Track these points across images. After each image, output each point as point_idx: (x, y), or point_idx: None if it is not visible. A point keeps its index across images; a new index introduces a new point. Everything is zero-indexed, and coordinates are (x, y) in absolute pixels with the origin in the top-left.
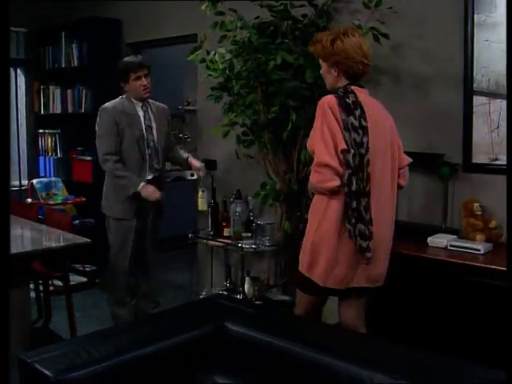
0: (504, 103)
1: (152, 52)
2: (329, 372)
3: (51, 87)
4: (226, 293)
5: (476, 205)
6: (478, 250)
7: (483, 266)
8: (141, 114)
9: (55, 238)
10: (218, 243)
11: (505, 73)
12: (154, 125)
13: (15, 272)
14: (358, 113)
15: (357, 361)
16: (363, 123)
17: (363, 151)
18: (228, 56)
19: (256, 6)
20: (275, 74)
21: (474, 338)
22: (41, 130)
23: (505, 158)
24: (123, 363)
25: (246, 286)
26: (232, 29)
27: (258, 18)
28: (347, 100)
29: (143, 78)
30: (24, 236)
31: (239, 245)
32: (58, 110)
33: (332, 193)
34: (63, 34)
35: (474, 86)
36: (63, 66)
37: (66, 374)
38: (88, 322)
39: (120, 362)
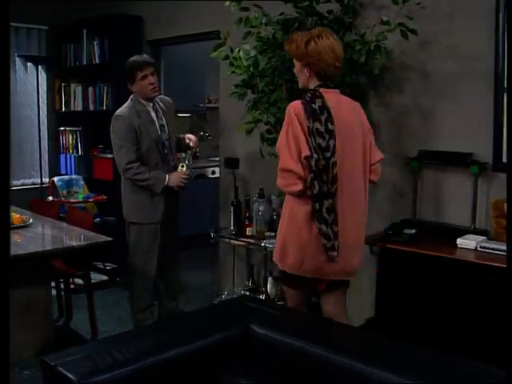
0: None
1: (173, 49)
2: (355, 376)
3: (72, 85)
4: (248, 293)
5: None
6: None
7: None
8: (153, 114)
9: (77, 237)
10: (240, 242)
11: None
12: (165, 122)
13: (36, 270)
14: (324, 117)
15: (384, 365)
16: (330, 127)
17: (329, 154)
18: (253, 53)
19: (281, 1)
20: None
21: (503, 341)
22: (62, 128)
23: None
24: (147, 367)
25: (269, 286)
26: (256, 25)
27: (282, 14)
28: (313, 105)
29: (150, 77)
30: (45, 234)
31: (262, 244)
32: (79, 108)
33: (297, 195)
34: (84, 31)
35: (505, 83)
36: (84, 63)
37: (89, 378)
38: (109, 321)
39: (144, 365)
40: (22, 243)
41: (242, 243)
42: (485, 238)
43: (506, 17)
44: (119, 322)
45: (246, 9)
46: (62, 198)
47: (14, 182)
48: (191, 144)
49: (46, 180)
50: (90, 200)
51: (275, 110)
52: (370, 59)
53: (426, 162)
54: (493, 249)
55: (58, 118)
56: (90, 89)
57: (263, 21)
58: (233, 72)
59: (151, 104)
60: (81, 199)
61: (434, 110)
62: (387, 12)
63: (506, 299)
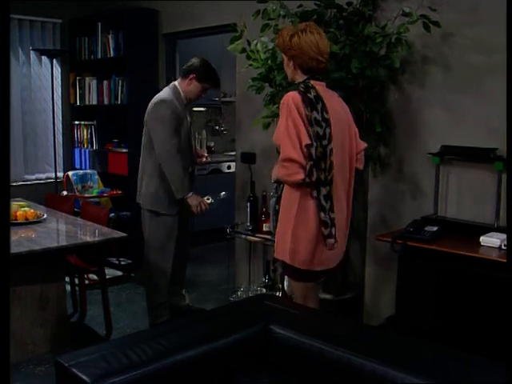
0: None
1: (187, 42)
2: (378, 379)
3: (87, 78)
4: (264, 289)
5: None
6: None
7: None
8: (186, 113)
9: (91, 232)
10: (256, 238)
11: None
12: (190, 120)
13: (51, 266)
14: (319, 107)
15: (408, 368)
16: (325, 116)
17: (326, 142)
18: (271, 45)
19: None
20: None
21: None
22: (76, 122)
23: None
24: (163, 368)
25: (286, 283)
26: (274, 17)
27: (300, 6)
28: (309, 95)
29: (204, 93)
30: (60, 230)
31: None
32: (94, 102)
33: (299, 185)
34: (99, 24)
35: None
36: (99, 56)
37: (103, 380)
38: (123, 317)
39: (160, 367)
40: (36, 239)
41: (258, 239)
42: None
43: None
44: (134, 318)
45: (264, 1)
46: (77, 193)
47: (28, 177)
48: (199, 159)
49: (60, 174)
50: (105, 195)
51: None
52: (390, 52)
53: (448, 157)
54: None
55: (73, 112)
56: (105, 82)
57: (281, 13)
58: (250, 65)
59: (186, 101)
60: (95, 194)
61: (456, 104)
62: (409, 3)
63: None
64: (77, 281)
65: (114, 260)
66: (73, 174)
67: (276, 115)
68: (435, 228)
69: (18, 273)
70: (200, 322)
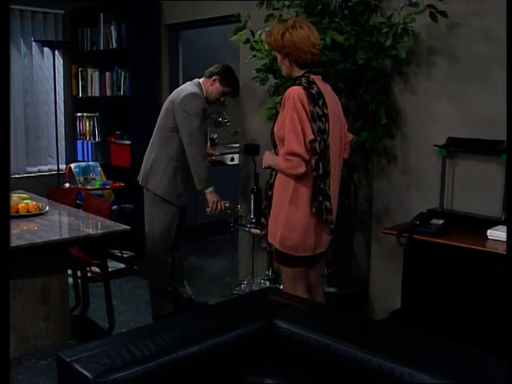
0: None
1: (190, 33)
2: (385, 375)
3: (89, 70)
4: (267, 282)
5: None
6: None
7: None
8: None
9: (94, 225)
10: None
11: None
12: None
13: (53, 259)
14: (321, 102)
15: (416, 364)
16: (325, 111)
17: (326, 136)
18: None
19: None
20: (324, 54)
21: None
22: (79, 114)
23: None
24: (166, 364)
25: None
26: (279, 7)
27: None
28: (312, 91)
29: (224, 98)
30: (62, 222)
31: None
32: (97, 93)
33: (299, 177)
34: (101, 15)
35: None
36: (101, 48)
37: (106, 376)
38: (126, 311)
39: (163, 362)
40: (37, 231)
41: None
42: None
43: None
44: (136, 311)
45: None
46: (79, 185)
47: (31, 169)
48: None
49: (62, 167)
50: (107, 187)
51: None
52: (396, 42)
53: (454, 149)
54: None
55: (75, 104)
56: (107, 74)
57: (286, 3)
58: (254, 56)
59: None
60: (98, 186)
61: (462, 95)
62: None
63: None
64: (79, 273)
65: (116, 252)
66: (75, 166)
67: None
68: (441, 221)
69: (19, 266)
70: (203, 316)
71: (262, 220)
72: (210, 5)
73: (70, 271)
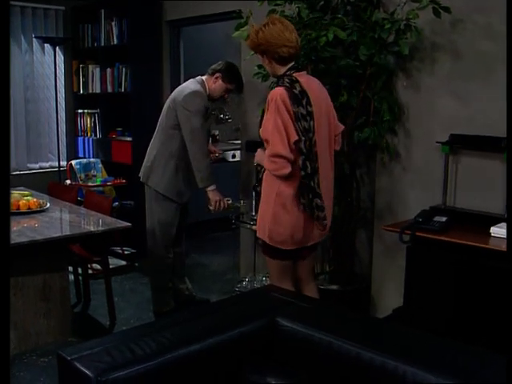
0: None
1: (192, 30)
2: (388, 373)
3: (90, 66)
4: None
5: None
6: None
7: None
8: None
9: (95, 222)
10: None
11: None
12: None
13: (54, 256)
14: (304, 101)
15: (419, 363)
16: (309, 109)
17: (311, 135)
18: None
19: None
20: (326, 51)
21: None
22: (80, 110)
23: None
24: (168, 362)
25: None
26: (281, 3)
27: None
28: (295, 91)
29: (228, 95)
30: (63, 219)
31: None
32: (98, 90)
33: (285, 178)
34: (102, 11)
35: None
36: (103, 44)
37: (107, 375)
38: (127, 308)
39: (165, 361)
40: (38, 228)
41: None
42: None
43: None
44: (137, 308)
45: None
46: (80, 182)
47: (31, 166)
48: (211, 155)
49: (63, 163)
50: (109, 184)
51: None
52: (399, 38)
53: (457, 146)
54: None
55: (76, 100)
56: (108, 70)
57: None
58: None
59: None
60: (99, 183)
61: (465, 92)
62: None
63: None
64: (80, 271)
65: (117, 249)
66: (76, 163)
67: None
68: (444, 218)
69: (20, 263)
70: (205, 314)
71: (256, 216)
72: (212, 1)
73: (70, 268)
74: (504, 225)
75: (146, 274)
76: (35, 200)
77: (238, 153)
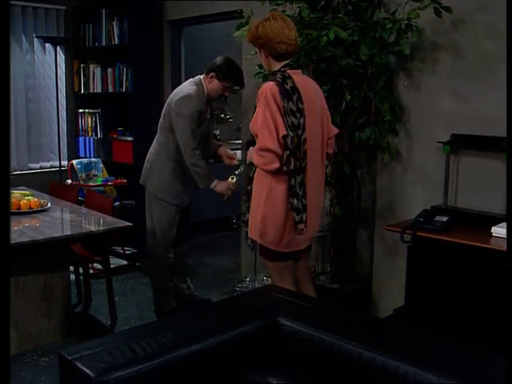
0: None
1: (193, 29)
2: (390, 373)
3: (91, 66)
4: (270, 279)
5: None
6: None
7: None
8: (207, 109)
9: (96, 222)
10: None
11: None
12: (210, 113)
13: (54, 256)
14: (295, 97)
15: (419, 363)
16: (300, 106)
17: (300, 132)
18: None
19: None
20: (327, 50)
21: None
22: (81, 110)
23: None
24: (169, 362)
25: None
26: (281, 3)
27: None
28: (286, 86)
29: (228, 92)
30: (64, 219)
31: None
32: (99, 90)
33: (274, 173)
34: (103, 11)
35: None
36: (104, 44)
37: (108, 374)
38: (128, 307)
39: (166, 361)
40: (39, 228)
41: None
42: None
43: None
44: (139, 308)
45: None
46: (81, 182)
47: (32, 165)
48: (226, 160)
49: (64, 163)
50: (109, 183)
51: None
52: (400, 38)
53: (458, 146)
54: None
55: (77, 100)
56: (110, 70)
57: None
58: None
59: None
60: (100, 182)
61: (467, 92)
62: None
63: None
64: (81, 270)
65: (118, 249)
66: (77, 163)
67: None
68: (445, 218)
69: (21, 262)
70: (206, 314)
71: (247, 216)
72: (213, 1)
73: (71, 268)
74: (505, 224)
75: (147, 274)
76: (36, 200)
77: (238, 152)
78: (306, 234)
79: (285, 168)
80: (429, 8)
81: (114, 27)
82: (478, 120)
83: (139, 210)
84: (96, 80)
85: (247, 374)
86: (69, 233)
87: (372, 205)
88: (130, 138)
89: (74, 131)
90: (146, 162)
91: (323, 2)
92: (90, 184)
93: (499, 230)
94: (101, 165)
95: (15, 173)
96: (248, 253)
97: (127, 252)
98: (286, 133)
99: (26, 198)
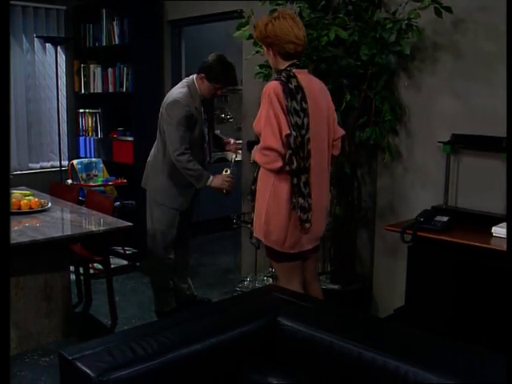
0: None
1: (193, 29)
2: (390, 373)
3: (92, 66)
4: (270, 279)
5: None
6: None
7: None
8: (202, 108)
9: (96, 222)
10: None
11: None
12: (207, 117)
13: (55, 256)
14: (299, 97)
15: (419, 363)
16: (304, 106)
17: (304, 132)
18: None
19: None
20: (328, 50)
21: None
22: (81, 110)
23: None
24: (169, 362)
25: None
26: (282, 3)
27: None
28: (290, 85)
29: (221, 91)
30: (64, 219)
31: None
32: (99, 90)
33: (277, 172)
34: (104, 11)
35: None
36: (104, 44)
37: (108, 374)
38: (128, 307)
39: (166, 361)
40: (40, 228)
41: None
42: None
43: None
44: (139, 308)
45: None
46: (82, 182)
47: (33, 165)
48: (231, 150)
49: (65, 163)
50: (110, 183)
51: None
52: (400, 38)
53: (458, 146)
54: None
55: (77, 100)
56: (110, 70)
57: None
58: (257, 52)
59: (202, 97)
60: (100, 182)
61: (467, 92)
62: None
63: None
64: (81, 270)
65: (118, 249)
66: (77, 163)
67: None
68: (446, 218)
69: (22, 262)
70: (206, 314)
71: (252, 215)
72: (213, 1)
73: (72, 268)
74: (505, 225)
75: (147, 274)
76: (36, 200)
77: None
78: (311, 233)
79: (287, 168)
80: (429, 8)
81: (115, 27)
82: (479, 120)
83: (139, 209)
84: (96, 80)
85: (247, 373)
86: (69, 233)
87: (372, 205)
88: (130, 138)
89: (74, 131)
90: (146, 165)
91: (323, 2)
92: (91, 184)
93: (499, 230)
94: (101, 165)
95: (15, 173)
96: (248, 252)
97: (127, 252)
98: (288, 132)
99: (27, 197)
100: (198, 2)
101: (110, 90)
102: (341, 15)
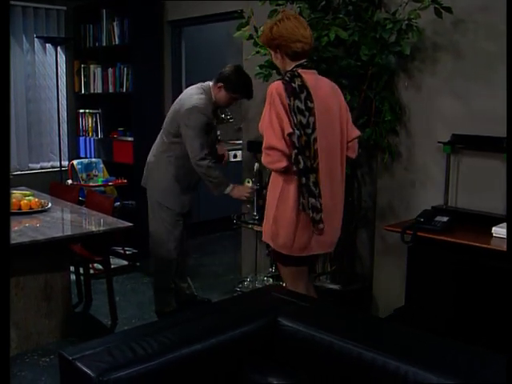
0: None
1: (193, 30)
2: (390, 373)
3: (92, 66)
4: (271, 280)
5: None
6: None
7: None
8: (213, 113)
9: (96, 222)
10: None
11: None
12: (215, 123)
13: (55, 256)
14: (303, 95)
15: (419, 363)
16: (309, 105)
17: (309, 131)
18: None
19: None
20: (328, 51)
21: None
22: (81, 110)
23: None
24: (169, 362)
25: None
26: (282, 3)
27: None
28: (293, 84)
29: (236, 100)
30: (64, 219)
31: None
32: (99, 90)
33: (283, 172)
34: (104, 11)
35: None
36: (104, 44)
37: (108, 374)
38: (128, 307)
39: (166, 361)
40: (40, 228)
41: None
42: None
43: None
44: (139, 308)
45: None
46: (82, 182)
47: (33, 166)
48: (224, 157)
49: (65, 163)
50: (110, 184)
51: None
52: (400, 39)
53: (459, 146)
54: None
55: (78, 100)
56: (110, 70)
57: None
58: (257, 52)
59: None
60: (100, 183)
61: (467, 92)
62: None
63: None
64: (82, 270)
65: (119, 249)
66: (77, 163)
67: None
68: (446, 218)
69: (22, 263)
70: (206, 314)
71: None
72: (213, 1)
73: (72, 268)
74: (505, 225)
75: (148, 274)
76: (37, 200)
77: (239, 153)
78: (323, 236)
79: (294, 168)
80: (429, 8)
81: (115, 27)
82: (479, 120)
83: (140, 210)
84: (96, 80)
85: (247, 373)
86: (69, 233)
87: (372, 205)
88: (130, 138)
89: (74, 131)
90: (146, 164)
91: (324, 3)
92: (91, 184)
93: (499, 231)
94: (101, 165)
95: (16, 173)
96: (248, 253)
97: (128, 252)
98: (291, 131)
99: (27, 198)
100: (198, 3)
101: (110, 91)
102: (341, 15)
